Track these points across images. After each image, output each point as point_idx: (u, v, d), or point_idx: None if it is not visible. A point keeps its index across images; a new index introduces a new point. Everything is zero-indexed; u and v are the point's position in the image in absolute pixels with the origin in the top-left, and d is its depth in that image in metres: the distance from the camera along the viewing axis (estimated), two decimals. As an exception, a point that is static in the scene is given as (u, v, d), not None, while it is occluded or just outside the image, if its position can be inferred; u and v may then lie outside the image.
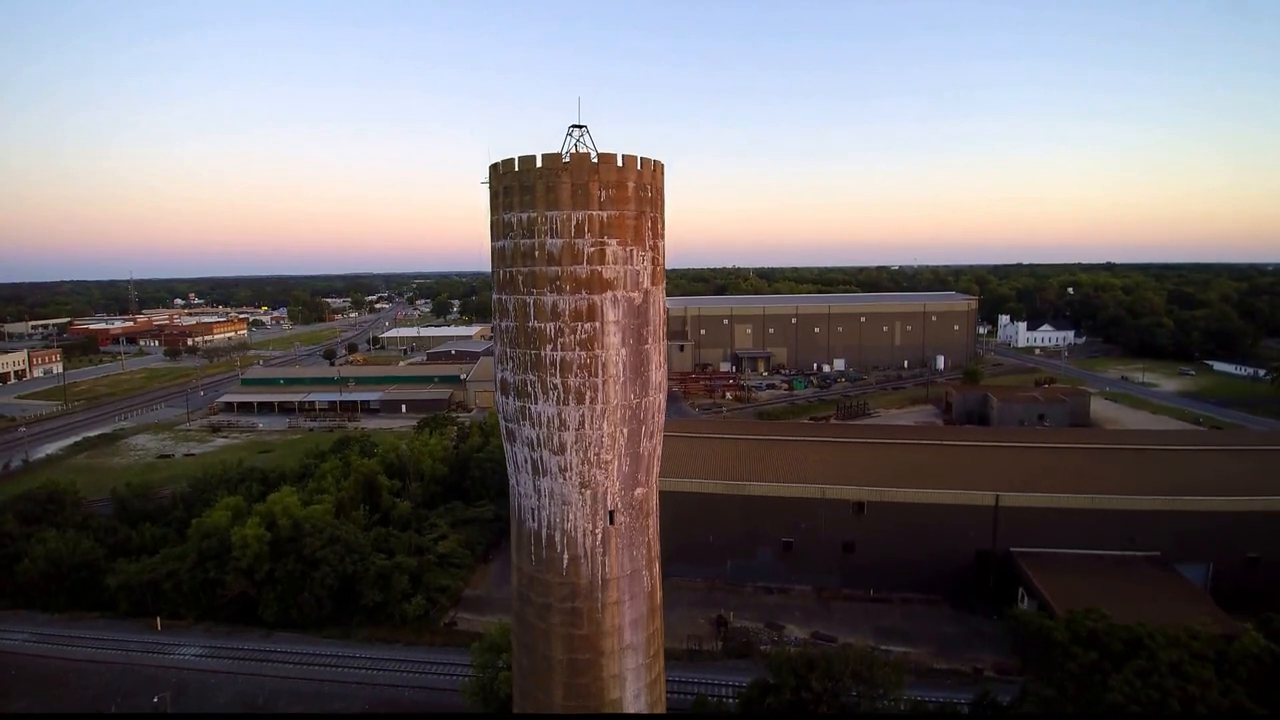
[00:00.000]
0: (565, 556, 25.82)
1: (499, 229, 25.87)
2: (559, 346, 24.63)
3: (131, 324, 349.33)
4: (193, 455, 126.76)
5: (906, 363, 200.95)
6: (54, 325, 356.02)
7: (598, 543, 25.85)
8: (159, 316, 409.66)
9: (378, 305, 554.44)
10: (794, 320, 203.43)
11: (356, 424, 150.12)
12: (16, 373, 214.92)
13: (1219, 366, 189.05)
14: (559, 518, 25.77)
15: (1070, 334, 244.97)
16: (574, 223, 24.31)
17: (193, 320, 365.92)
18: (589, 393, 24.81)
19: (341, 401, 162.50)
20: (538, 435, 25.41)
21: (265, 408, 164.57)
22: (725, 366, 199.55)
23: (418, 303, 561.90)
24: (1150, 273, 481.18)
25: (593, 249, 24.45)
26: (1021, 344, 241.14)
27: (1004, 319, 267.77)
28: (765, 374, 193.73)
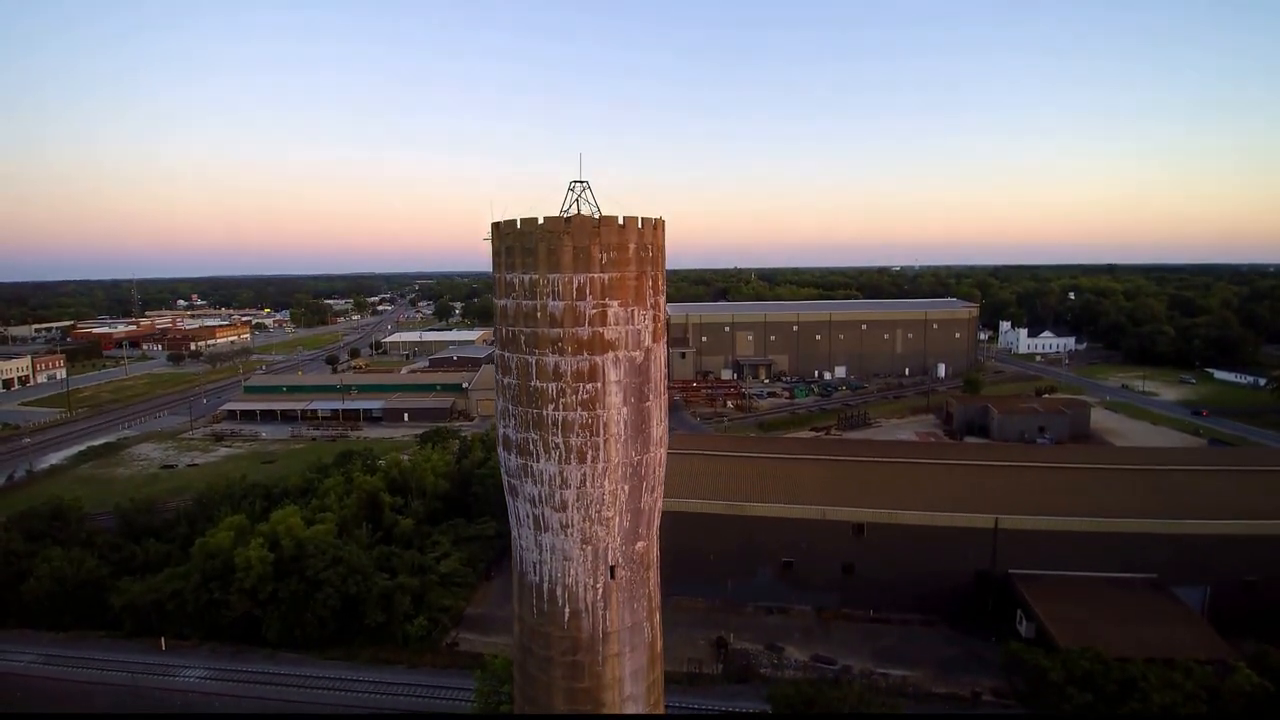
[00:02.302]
0: (567, 611, 26.26)
1: (501, 288, 26.30)
2: (561, 406, 25.06)
3: (135, 328, 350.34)
4: (196, 465, 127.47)
5: (908, 370, 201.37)
6: (57, 329, 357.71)
7: (599, 597, 26.29)
8: (162, 319, 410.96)
9: (380, 307, 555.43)
10: (795, 328, 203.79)
11: (359, 433, 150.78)
12: (20, 379, 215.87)
13: (1219, 374, 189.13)
14: (560, 573, 26.22)
15: (1071, 340, 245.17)
16: (575, 285, 24.72)
17: (196, 324, 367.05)
18: (590, 451, 25.25)
19: (344, 410, 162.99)
20: (539, 492, 25.86)
21: (268, 416, 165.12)
22: (727, 374, 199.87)
23: (420, 304, 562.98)
24: (1151, 276, 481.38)
25: (594, 311, 24.86)
26: (1023, 350, 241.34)
27: (1005, 325, 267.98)
28: (766, 381, 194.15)
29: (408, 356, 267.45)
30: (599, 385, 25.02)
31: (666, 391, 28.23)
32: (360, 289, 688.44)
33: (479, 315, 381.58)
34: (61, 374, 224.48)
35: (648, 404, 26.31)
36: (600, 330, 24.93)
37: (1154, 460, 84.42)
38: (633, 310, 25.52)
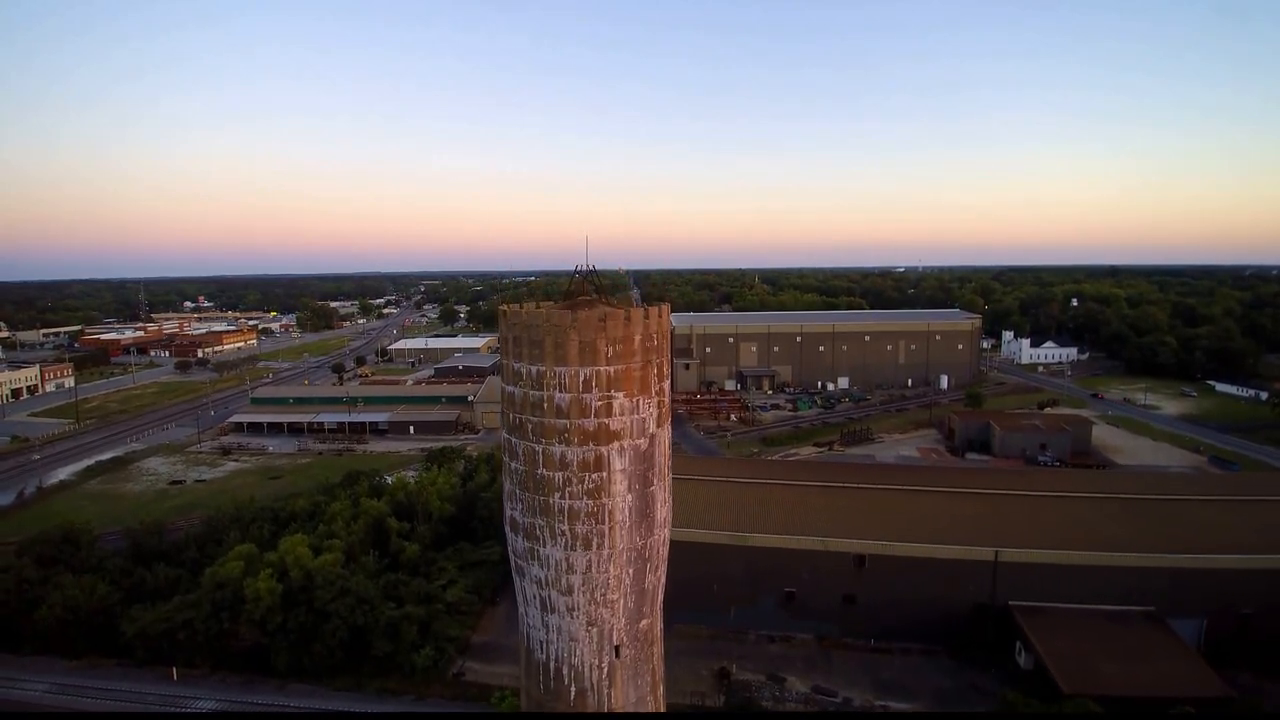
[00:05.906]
0: (573, 689, 27.19)
1: (509, 375, 27.19)
2: (567, 495, 25.95)
3: (142, 333, 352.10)
4: (204, 481, 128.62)
5: (910, 381, 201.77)
6: (65, 334, 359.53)
7: (604, 676, 27.20)
8: (169, 322, 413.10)
9: (385, 311, 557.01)
10: (799, 338, 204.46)
11: (365, 446, 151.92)
12: (29, 388, 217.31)
13: (1220, 387, 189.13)
14: (566, 652, 27.13)
15: (1073, 351, 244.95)
16: (582, 379, 25.57)
17: (203, 329, 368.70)
18: (596, 539, 26.15)
19: (350, 423, 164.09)
20: (546, 576, 26.76)
21: (275, 428, 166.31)
22: (730, 385, 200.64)
23: (425, 307, 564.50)
24: (1154, 280, 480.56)
25: (600, 403, 25.72)
26: (1025, 361, 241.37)
27: (1008, 335, 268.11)
28: (770, 393, 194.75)
29: (413, 364, 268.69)
30: (604, 475, 25.91)
31: (670, 473, 29.08)
32: (366, 290, 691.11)
33: (484, 320, 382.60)
34: (70, 383, 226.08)
35: (652, 488, 27.21)
36: (606, 421, 25.80)
37: (1152, 489, 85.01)
38: (638, 400, 26.38)
